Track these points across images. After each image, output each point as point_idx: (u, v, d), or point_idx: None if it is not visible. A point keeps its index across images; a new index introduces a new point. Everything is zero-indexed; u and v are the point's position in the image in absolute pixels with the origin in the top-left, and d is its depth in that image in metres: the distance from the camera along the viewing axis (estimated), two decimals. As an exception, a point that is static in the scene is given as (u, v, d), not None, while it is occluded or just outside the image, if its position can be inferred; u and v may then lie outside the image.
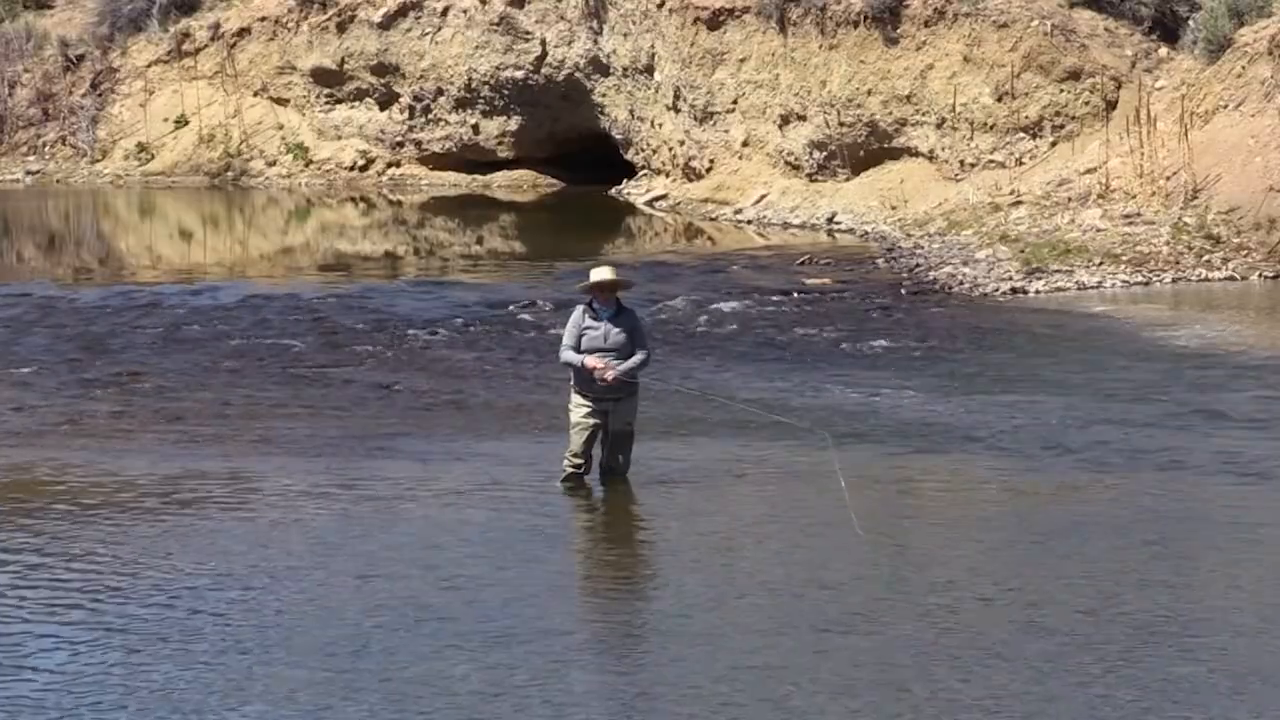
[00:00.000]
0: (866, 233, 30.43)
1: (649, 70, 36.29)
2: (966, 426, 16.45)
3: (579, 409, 14.13)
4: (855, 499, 13.06)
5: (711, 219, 33.63)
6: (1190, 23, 30.32)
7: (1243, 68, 27.58)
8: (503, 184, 39.86)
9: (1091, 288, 24.77)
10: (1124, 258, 25.63)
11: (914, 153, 31.66)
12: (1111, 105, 29.52)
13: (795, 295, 24.78)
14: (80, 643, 10.80)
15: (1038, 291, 24.65)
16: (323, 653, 10.53)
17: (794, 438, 15.41)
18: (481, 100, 39.49)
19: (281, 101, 41.96)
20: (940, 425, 16.53)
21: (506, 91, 39.18)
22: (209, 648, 10.65)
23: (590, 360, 13.95)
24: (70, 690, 10.02)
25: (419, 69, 39.97)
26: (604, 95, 37.73)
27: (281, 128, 41.75)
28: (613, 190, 37.28)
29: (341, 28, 40.76)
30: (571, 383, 14.22)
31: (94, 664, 10.43)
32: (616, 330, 14.07)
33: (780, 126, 33.43)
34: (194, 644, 10.74)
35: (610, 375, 13.89)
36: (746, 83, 34.05)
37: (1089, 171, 28.33)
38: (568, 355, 14.16)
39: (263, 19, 42.00)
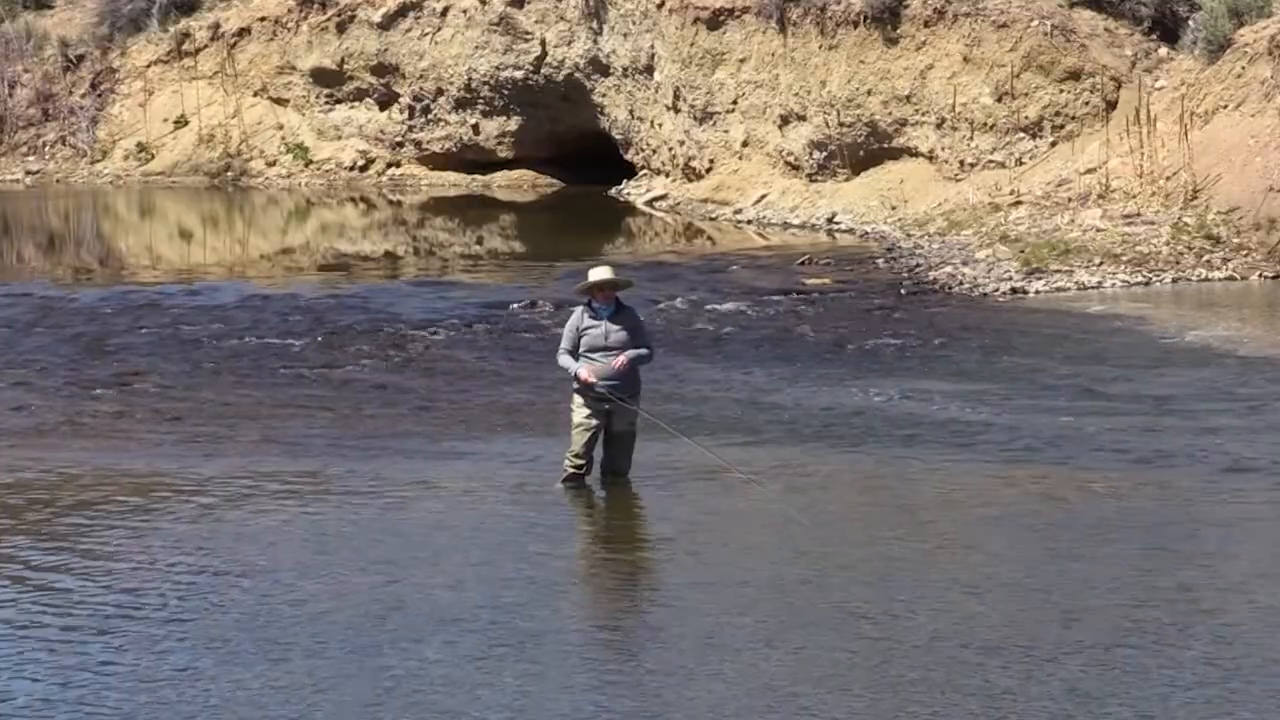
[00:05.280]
0: (866, 233, 30.42)
1: (649, 70, 36.28)
2: (966, 426, 16.45)
3: (581, 410, 14.13)
4: (858, 499, 13.06)
5: (711, 219, 33.62)
6: (1190, 23, 30.30)
7: (1243, 68, 27.58)
8: (503, 184, 39.85)
9: (1091, 288, 24.76)
10: (1124, 258, 25.63)
11: (914, 153, 31.66)
12: (1111, 105, 29.52)
13: (795, 295, 24.77)
14: (79, 642, 10.80)
15: (1038, 292, 24.65)
16: (321, 651, 10.53)
17: (797, 441, 15.38)
18: (481, 100, 39.49)
19: (281, 101, 41.96)
20: (940, 425, 16.52)
21: (506, 91, 39.17)
22: (206, 647, 10.65)
23: (583, 372, 13.97)
24: (68, 687, 10.04)
25: (419, 69, 39.97)
26: (604, 95, 37.72)
27: (281, 128, 41.75)
28: (612, 190, 37.26)
29: (341, 28, 40.75)
30: (573, 383, 14.21)
31: (92, 662, 10.44)
32: (617, 329, 14.09)
33: (780, 126, 33.42)
34: (189, 643, 10.75)
35: (612, 369, 13.91)
36: (746, 83, 34.04)
37: (1089, 171, 28.32)
38: (565, 360, 14.18)
39: (263, 19, 41.99)
